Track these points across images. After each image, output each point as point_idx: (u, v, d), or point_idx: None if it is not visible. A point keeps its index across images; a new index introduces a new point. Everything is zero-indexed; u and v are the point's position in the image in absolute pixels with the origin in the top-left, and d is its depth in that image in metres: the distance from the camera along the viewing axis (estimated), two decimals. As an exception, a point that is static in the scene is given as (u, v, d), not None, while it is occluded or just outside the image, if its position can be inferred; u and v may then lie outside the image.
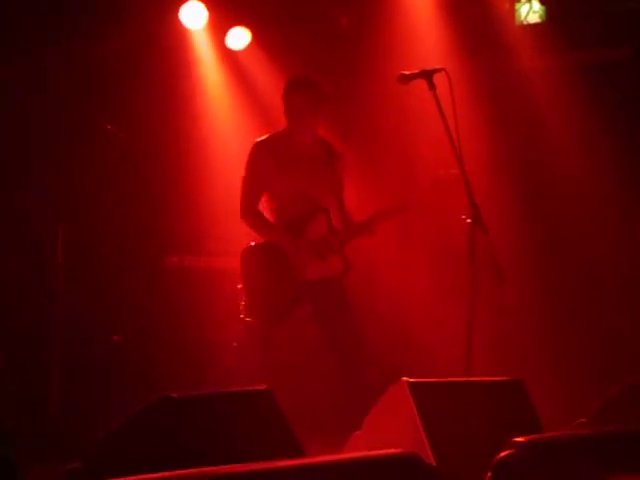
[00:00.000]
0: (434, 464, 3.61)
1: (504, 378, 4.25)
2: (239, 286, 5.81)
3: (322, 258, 5.69)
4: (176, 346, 6.99)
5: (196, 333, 7.04)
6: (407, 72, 5.22)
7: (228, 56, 7.81)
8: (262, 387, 3.79)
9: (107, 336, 7.03)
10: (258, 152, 5.77)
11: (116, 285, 7.31)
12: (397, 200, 6.00)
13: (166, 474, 2.44)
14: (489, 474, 2.80)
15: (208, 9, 7.40)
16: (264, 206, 5.85)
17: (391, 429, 3.92)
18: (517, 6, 7.39)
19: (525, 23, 7.37)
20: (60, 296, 6.54)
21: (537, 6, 7.32)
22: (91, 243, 7.12)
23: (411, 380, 3.91)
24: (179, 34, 7.58)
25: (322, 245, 5.69)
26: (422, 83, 5.14)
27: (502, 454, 2.78)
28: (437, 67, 5.15)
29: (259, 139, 5.82)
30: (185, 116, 7.68)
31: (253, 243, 5.75)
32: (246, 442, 3.56)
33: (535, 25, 7.33)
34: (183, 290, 7.16)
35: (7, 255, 6.84)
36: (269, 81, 7.70)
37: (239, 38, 7.68)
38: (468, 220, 4.96)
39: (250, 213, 5.75)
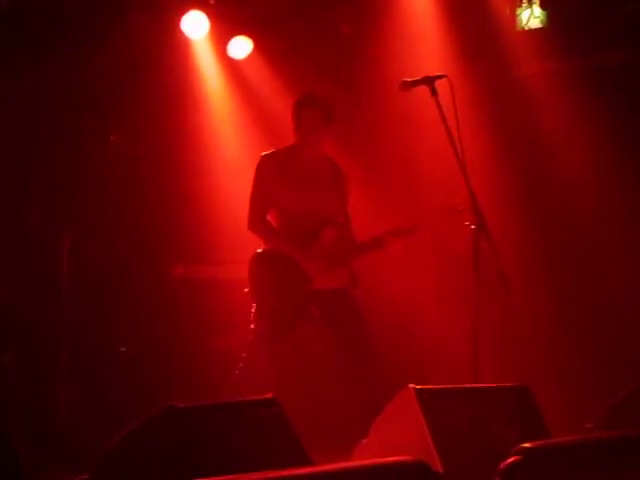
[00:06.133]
0: (441, 471, 3.61)
1: (510, 384, 4.25)
2: (246, 290, 5.79)
3: (330, 269, 5.68)
4: (183, 356, 6.99)
5: (204, 343, 7.04)
6: (409, 79, 5.22)
7: (230, 65, 7.83)
8: (269, 396, 3.78)
9: (114, 346, 7.03)
10: (264, 165, 5.75)
11: (122, 295, 7.32)
12: (406, 222, 5.94)
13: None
14: (497, 480, 2.80)
15: (209, 19, 7.41)
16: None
17: (398, 436, 3.92)
18: (518, 11, 7.39)
19: (526, 28, 7.37)
20: (66, 307, 6.54)
21: (538, 11, 7.32)
22: (97, 253, 7.13)
23: (418, 387, 3.91)
24: (181, 44, 7.59)
25: (330, 257, 5.68)
26: (424, 89, 5.14)
27: (509, 460, 2.78)
28: (439, 73, 5.16)
29: (265, 153, 5.80)
30: (188, 125, 7.70)
31: (260, 250, 5.75)
32: (253, 451, 3.55)
33: (536, 30, 7.33)
34: (190, 300, 7.16)
35: (13, 265, 6.85)
36: (271, 90, 7.72)
37: (241, 47, 7.70)
38: (472, 226, 4.96)
39: (258, 222, 5.73)
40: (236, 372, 5.63)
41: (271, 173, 5.72)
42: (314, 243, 5.69)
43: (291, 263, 5.64)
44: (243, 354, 5.68)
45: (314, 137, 5.75)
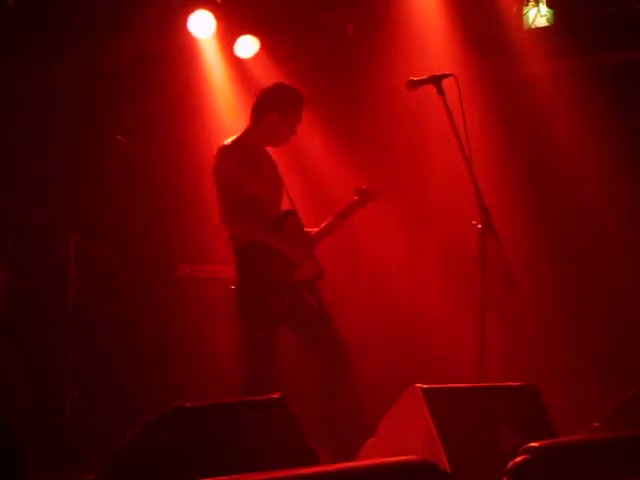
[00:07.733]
0: (448, 470, 3.61)
1: (517, 383, 4.25)
2: (232, 287, 5.73)
3: (309, 257, 5.64)
4: (190, 356, 6.99)
5: (210, 342, 7.03)
6: (416, 78, 5.21)
7: (237, 64, 7.83)
8: (276, 396, 3.78)
9: (120, 347, 7.03)
10: (229, 155, 5.57)
11: (128, 295, 7.32)
12: (351, 198, 5.92)
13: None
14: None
15: (216, 18, 7.41)
16: None
17: (405, 435, 3.92)
18: (525, 10, 7.37)
19: (533, 27, 7.35)
20: (72, 307, 6.54)
21: (545, 10, 7.31)
22: (102, 253, 7.12)
23: (424, 386, 3.91)
24: (188, 43, 7.60)
25: (303, 247, 5.63)
26: (431, 89, 5.14)
27: (517, 459, 2.78)
28: (446, 72, 5.15)
29: (227, 143, 5.64)
30: (194, 124, 7.69)
31: (239, 248, 5.57)
32: (260, 451, 3.56)
33: (543, 29, 7.32)
34: (196, 299, 7.15)
35: (19, 266, 6.86)
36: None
37: (247, 46, 7.70)
38: (479, 226, 4.96)
39: (237, 213, 5.49)
40: (241, 371, 5.57)
41: (237, 162, 5.55)
42: (280, 233, 5.60)
43: (276, 257, 5.52)
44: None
45: (270, 137, 5.72)
